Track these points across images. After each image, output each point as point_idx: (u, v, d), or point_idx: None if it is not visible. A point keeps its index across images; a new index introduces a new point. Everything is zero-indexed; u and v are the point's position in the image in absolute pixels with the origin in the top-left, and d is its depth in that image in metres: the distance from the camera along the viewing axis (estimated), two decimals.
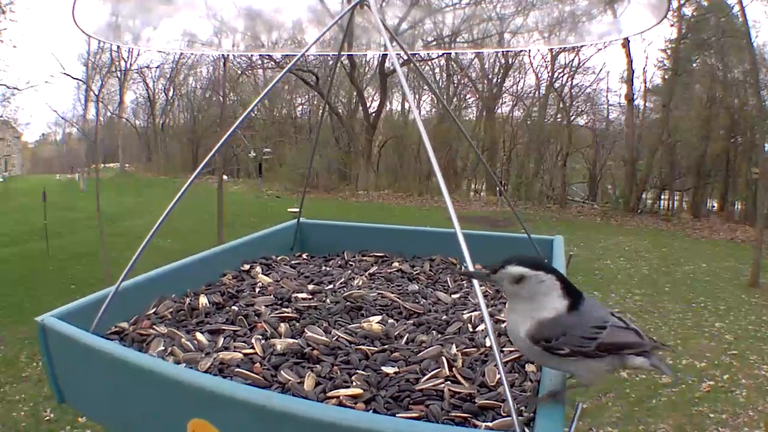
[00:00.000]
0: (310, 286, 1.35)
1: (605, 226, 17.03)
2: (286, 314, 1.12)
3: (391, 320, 1.13)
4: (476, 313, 1.19)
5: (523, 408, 0.79)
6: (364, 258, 1.70)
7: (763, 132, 14.86)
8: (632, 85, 20.50)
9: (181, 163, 28.00)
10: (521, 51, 20.35)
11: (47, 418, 4.89)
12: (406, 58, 1.41)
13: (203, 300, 1.19)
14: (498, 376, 0.88)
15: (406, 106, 26.16)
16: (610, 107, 22.73)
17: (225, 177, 16.28)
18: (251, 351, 0.96)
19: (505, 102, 23.83)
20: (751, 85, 14.87)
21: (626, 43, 19.40)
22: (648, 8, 1.45)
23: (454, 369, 0.91)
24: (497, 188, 21.35)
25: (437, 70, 23.75)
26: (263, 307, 1.17)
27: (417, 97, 25.01)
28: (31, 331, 6.91)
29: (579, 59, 21.42)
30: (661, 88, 20.75)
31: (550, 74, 21.95)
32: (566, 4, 1.64)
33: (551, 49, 18.90)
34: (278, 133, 24.28)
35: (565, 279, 0.75)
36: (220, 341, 1.01)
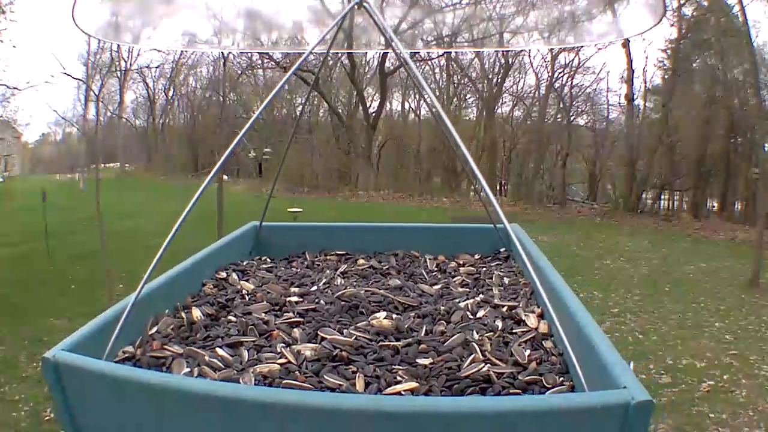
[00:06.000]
0: (294, 289, 1.34)
1: (605, 226, 17.03)
2: (292, 319, 1.11)
3: (395, 315, 1.14)
4: (471, 300, 1.22)
5: (562, 378, 0.86)
6: (328, 257, 1.69)
7: (763, 132, 14.86)
8: (632, 85, 20.54)
9: (181, 164, 28.01)
10: (521, 51, 20.36)
11: (47, 418, 4.89)
12: (403, 60, 1.42)
13: (197, 313, 1.14)
14: (527, 353, 0.95)
15: (406, 106, 26.23)
16: (610, 107, 22.76)
17: (225, 177, 16.29)
18: (284, 361, 0.93)
19: (505, 102, 23.86)
20: (751, 85, 14.87)
21: (626, 43, 19.42)
22: (646, 9, 1.45)
23: (486, 353, 0.94)
24: (498, 187, 21.40)
25: (437, 70, 23.78)
26: (263, 314, 1.15)
27: (417, 97, 25.02)
28: (32, 331, 6.94)
29: (579, 59, 21.46)
30: (661, 88, 20.76)
31: (550, 74, 21.97)
32: (566, 4, 1.64)
33: (551, 49, 18.90)
34: (278, 133, 24.28)
35: None
36: (245, 354, 0.97)
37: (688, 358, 6.37)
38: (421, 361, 0.92)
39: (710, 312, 8.26)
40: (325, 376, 0.88)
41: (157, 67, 29.33)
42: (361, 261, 1.62)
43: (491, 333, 1.04)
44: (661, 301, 8.77)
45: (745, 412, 5.10)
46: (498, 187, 23.63)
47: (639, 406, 0.63)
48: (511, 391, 0.84)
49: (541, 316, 1.13)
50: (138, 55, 26.90)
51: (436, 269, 1.57)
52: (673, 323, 7.71)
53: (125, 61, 26.77)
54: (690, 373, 5.96)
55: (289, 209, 11.65)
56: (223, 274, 1.45)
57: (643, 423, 0.64)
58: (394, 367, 0.90)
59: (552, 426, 0.64)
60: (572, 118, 22.37)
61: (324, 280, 1.42)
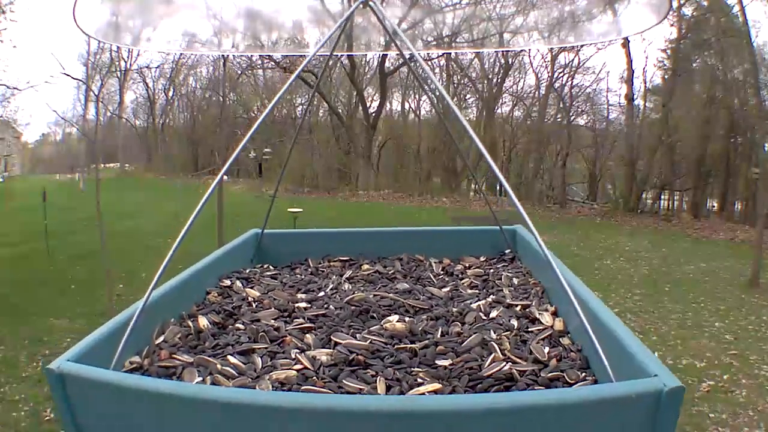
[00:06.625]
0: (302, 295, 1.33)
1: (605, 226, 17.02)
2: (303, 325, 1.10)
3: (408, 318, 1.13)
4: (482, 301, 1.22)
5: (584, 373, 0.88)
6: (332, 263, 1.67)
7: (763, 132, 14.86)
8: (632, 85, 20.54)
9: (181, 164, 27.99)
10: (521, 51, 20.36)
11: (47, 418, 4.89)
12: (408, 56, 1.41)
13: (203, 321, 1.13)
14: (547, 350, 0.95)
15: (406, 106, 26.22)
16: (610, 107, 22.75)
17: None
18: (300, 366, 0.91)
19: (505, 102, 23.86)
20: (751, 85, 14.86)
21: (626, 43, 19.44)
22: (648, 8, 1.45)
23: (506, 352, 0.94)
24: (498, 187, 21.36)
25: (437, 70, 23.75)
26: (272, 320, 1.14)
27: (417, 97, 25.03)
28: (32, 331, 6.93)
29: (579, 59, 21.46)
30: (661, 88, 20.76)
31: (550, 74, 21.97)
32: (566, 4, 1.64)
33: (551, 49, 18.90)
34: (278, 133, 24.28)
35: None
36: (258, 361, 0.95)
37: (688, 358, 6.37)
38: (440, 362, 0.92)
39: (710, 312, 8.25)
40: (345, 381, 0.87)
41: (157, 68, 29.39)
42: (365, 266, 1.61)
43: (508, 332, 1.05)
44: (661, 301, 8.76)
45: (745, 412, 5.10)
46: (498, 187, 23.60)
47: (671, 392, 0.64)
48: (535, 388, 0.85)
49: (555, 314, 1.13)
50: (138, 55, 26.97)
51: (442, 272, 1.57)
52: (673, 323, 7.71)
53: (125, 62, 26.84)
54: (690, 373, 5.96)
55: (289, 209, 11.63)
56: (227, 282, 1.43)
57: (674, 409, 0.65)
58: (413, 369, 0.90)
59: (588, 417, 0.66)
60: (572, 118, 22.38)
61: (331, 286, 1.41)
